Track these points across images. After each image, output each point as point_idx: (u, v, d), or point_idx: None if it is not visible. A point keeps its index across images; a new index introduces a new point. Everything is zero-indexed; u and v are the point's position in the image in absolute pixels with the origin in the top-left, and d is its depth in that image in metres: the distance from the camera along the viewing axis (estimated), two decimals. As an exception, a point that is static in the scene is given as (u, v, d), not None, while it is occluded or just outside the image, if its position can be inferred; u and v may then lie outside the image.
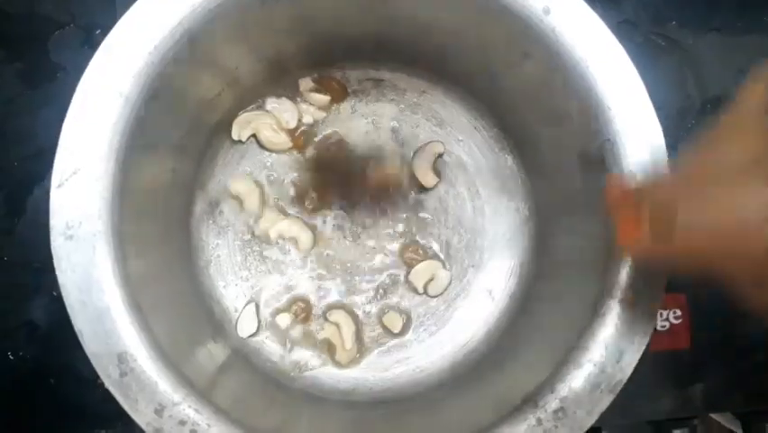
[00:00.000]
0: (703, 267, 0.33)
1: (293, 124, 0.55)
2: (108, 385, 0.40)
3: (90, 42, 0.57)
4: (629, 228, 0.38)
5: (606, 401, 0.41)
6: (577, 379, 0.41)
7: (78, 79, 0.41)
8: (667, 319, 0.55)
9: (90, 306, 0.39)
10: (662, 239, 0.35)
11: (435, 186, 0.55)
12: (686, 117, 0.58)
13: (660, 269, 0.42)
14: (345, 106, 0.55)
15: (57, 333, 0.55)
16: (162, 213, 0.49)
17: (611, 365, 0.41)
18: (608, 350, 0.42)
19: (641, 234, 0.36)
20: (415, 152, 0.55)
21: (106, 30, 0.56)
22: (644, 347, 0.42)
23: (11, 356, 0.55)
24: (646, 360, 0.42)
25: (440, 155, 0.55)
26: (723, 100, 0.58)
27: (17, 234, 0.56)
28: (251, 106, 0.54)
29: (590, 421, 0.41)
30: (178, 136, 0.48)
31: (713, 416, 0.59)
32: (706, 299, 0.56)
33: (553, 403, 0.41)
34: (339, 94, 0.55)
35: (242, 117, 0.54)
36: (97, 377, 0.52)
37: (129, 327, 0.40)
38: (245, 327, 0.53)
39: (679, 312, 0.56)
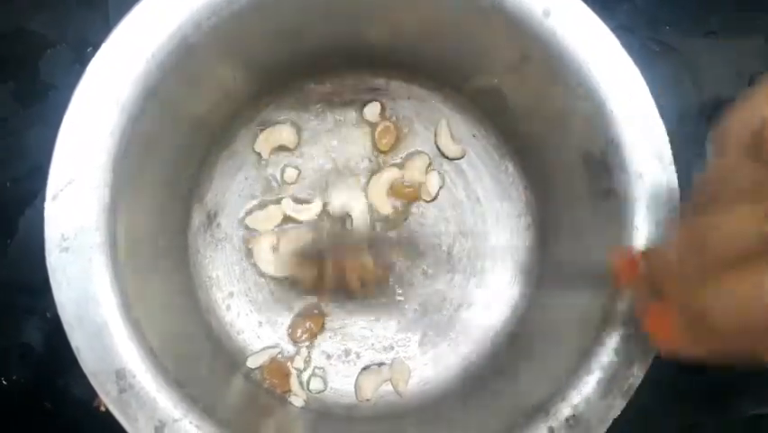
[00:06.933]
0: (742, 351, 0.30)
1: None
2: (107, 403, 0.38)
3: (81, 61, 0.57)
4: (657, 324, 0.34)
5: (618, 407, 0.40)
6: (588, 385, 0.41)
7: (70, 98, 0.40)
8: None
9: (87, 321, 0.38)
10: (697, 339, 0.31)
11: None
12: (684, 122, 0.58)
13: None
14: (345, 116, 0.55)
15: (52, 355, 0.54)
16: (159, 226, 0.48)
17: (623, 370, 0.41)
18: (619, 354, 0.41)
19: (672, 334, 0.32)
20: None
21: (98, 48, 0.56)
22: (656, 350, 0.41)
23: (4, 381, 0.54)
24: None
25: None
26: (720, 104, 0.58)
27: (9, 255, 0.55)
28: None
29: (603, 428, 0.40)
30: (175, 145, 0.47)
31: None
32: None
33: (564, 411, 0.40)
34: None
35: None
36: (94, 399, 0.52)
37: (127, 341, 0.39)
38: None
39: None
